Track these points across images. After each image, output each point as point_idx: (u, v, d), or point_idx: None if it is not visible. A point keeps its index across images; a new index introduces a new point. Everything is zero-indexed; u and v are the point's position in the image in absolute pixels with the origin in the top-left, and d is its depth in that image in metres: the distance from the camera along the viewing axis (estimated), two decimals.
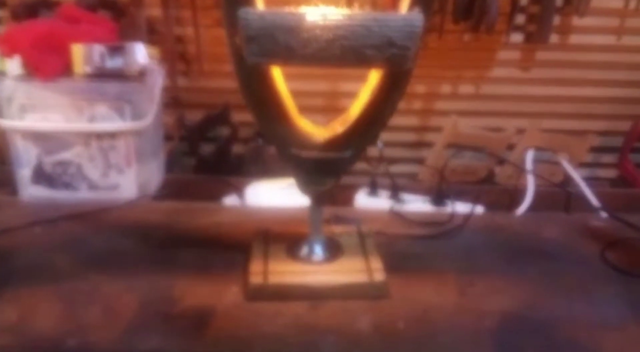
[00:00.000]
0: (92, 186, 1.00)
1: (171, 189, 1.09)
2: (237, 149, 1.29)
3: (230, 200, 1.09)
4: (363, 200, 1.07)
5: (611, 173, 1.35)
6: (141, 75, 0.96)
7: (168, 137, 1.20)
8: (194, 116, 1.28)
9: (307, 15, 0.59)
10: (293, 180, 0.73)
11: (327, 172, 0.72)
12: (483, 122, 1.32)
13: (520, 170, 1.22)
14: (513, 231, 0.84)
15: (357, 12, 0.60)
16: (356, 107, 0.69)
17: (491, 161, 1.25)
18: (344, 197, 1.04)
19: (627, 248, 0.80)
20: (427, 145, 1.38)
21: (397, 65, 0.62)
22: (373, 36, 0.60)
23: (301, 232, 0.77)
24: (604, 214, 0.94)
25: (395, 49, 0.61)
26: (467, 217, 0.86)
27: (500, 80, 1.30)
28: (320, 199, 0.76)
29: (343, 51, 0.60)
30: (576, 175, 1.14)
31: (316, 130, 0.70)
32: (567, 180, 1.24)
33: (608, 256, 0.77)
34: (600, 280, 0.74)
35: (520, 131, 1.22)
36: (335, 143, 0.68)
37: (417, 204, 1.00)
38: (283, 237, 0.79)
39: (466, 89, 1.32)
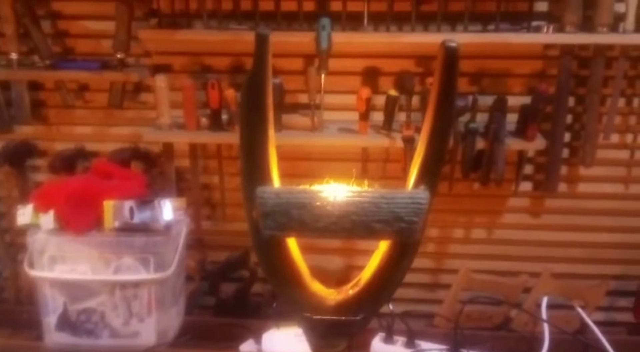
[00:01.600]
0: (114, 334, 1.01)
1: (190, 334, 1.08)
2: (256, 288, 1.29)
3: (247, 346, 1.07)
4: (379, 346, 1.04)
5: (627, 317, 1.29)
6: (167, 229, 0.99)
7: (189, 278, 1.21)
8: (216, 257, 1.30)
9: (319, 193, 0.62)
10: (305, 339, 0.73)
11: (339, 334, 0.72)
12: (495, 266, 1.31)
13: (536, 318, 1.19)
14: None
15: (366, 190, 0.63)
16: (367, 272, 0.70)
17: (506, 307, 1.22)
18: (360, 341, 1.01)
19: None
20: (442, 286, 1.36)
21: (405, 237, 0.64)
22: (381, 212, 0.62)
23: None
24: None
25: (403, 223, 0.63)
26: None
27: (511, 225, 1.32)
28: None
29: (353, 225, 0.63)
30: (592, 324, 1.12)
31: (329, 293, 0.70)
32: (584, 327, 1.20)
33: None
34: None
35: (534, 275, 1.20)
36: (347, 306, 0.69)
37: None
38: None
39: (478, 233, 1.33)
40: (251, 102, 0.61)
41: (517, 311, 1.21)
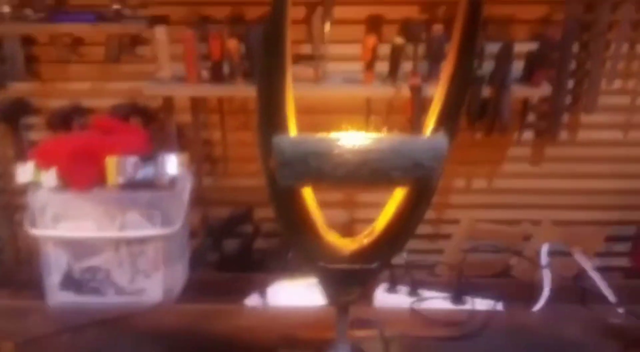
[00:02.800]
0: (119, 291, 0.98)
1: (195, 290, 1.07)
2: (259, 244, 1.27)
3: (252, 300, 1.06)
4: (382, 296, 1.04)
5: (623, 262, 1.30)
6: (172, 184, 0.96)
7: (193, 235, 1.19)
8: (219, 214, 1.28)
9: (337, 141, 0.59)
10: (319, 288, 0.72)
11: (354, 282, 0.71)
12: (497, 215, 1.31)
13: (537, 264, 1.19)
14: (534, 331, 0.84)
15: (384, 136, 0.60)
16: (382, 220, 0.68)
17: (507, 255, 1.22)
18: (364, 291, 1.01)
19: None
20: (443, 236, 1.36)
21: (424, 184, 0.62)
22: (401, 159, 0.60)
23: (326, 337, 0.74)
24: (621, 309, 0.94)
25: (422, 170, 0.61)
26: (488, 318, 0.84)
27: (512, 175, 1.30)
28: (346, 308, 0.74)
29: (372, 173, 0.60)
30: (591, 269, 1.13)
31: (343, 243, 0.69)
32: (582, 272, 1.21)
33: None
34: None
35: (535, 223, 1.20)
36: (362, 255, 0.67)
37: (436, 302, 0.96)
38: (308, 344, 0.77)
39: (479, 183, 1.32)
40: (270, 46, 0.57)
41: (517, 258, 1.21)
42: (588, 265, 1.16)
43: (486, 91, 1.08)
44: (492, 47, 1.11)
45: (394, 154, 0.60)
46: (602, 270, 1.22)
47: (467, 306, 0.95)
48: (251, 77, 1.09)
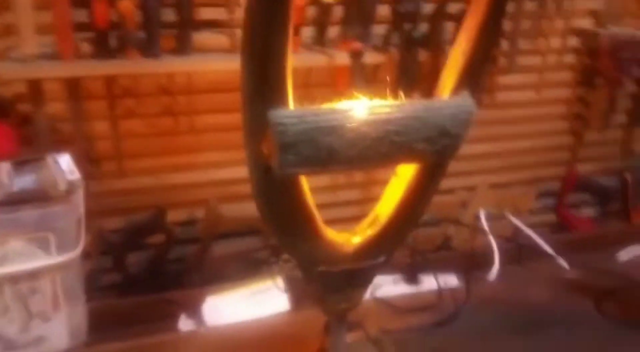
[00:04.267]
0: (9, 346, 0.75)
1: (105, 325, 0.87)
2: (176, 253, 1.08)
3: (185, 324, 0.90)
4: None
5: (547, 218, 1.37)
6: (67, 194, 0.74)
7: (84, 255, 0.96)
8: (115, 225, 1.06)
9: (350, 112, 0.47)
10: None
11: (358, 284, 0.61)
12: None
13: (476, 231, 1.21)
14: (503, 300, 0.86)
15: (404, 103, 0.49)
16: (387, 207, 0.59)
17: (445, 226, 1.21)
18: None
19: (617, 297, 0.84)
20: None
21: (446, 156, 0.54)
22: (426, 127, 0.50)
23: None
24: (563, 261, 1.01)
25: (448, 139, 0.52)
26: (455, 296, 0.84)
27: None
28: (344, 317, 0.64)
29: (392, 148, 0.50)
30: (526, 228, 1.16)
31: (344, 238, 0.58)
32: (517, 232, 1.25)
33: (602, 308, 0.82)
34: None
35: (469, 189, 1.20)
36: (368, 250, 0.58)
37: (390, 285, 0.93)
38: None
39: None
40: None
41: (455, 227, 1.21)
42: (524, 227, 1.20)
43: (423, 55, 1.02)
44: (427, 8, 1.05)
45: (418, 122, 0.50)
46: (531, 227, 1.28)
47: (425, 285, 0.92)
48: (150, 49, 0.89)
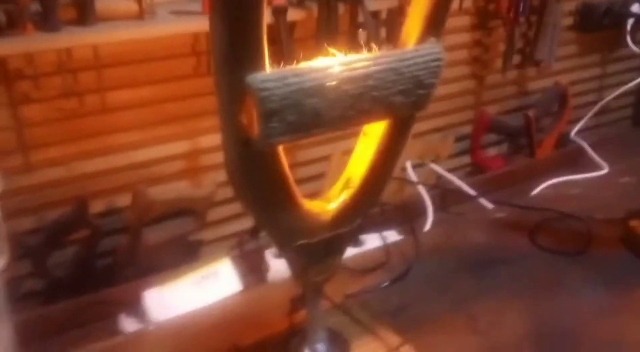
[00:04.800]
0: None
1: (36, 338, 0.79)
2: (105, 246, 0.99)
3: (129, 323, 0.84)
4: (275, 263, 0.95)
5: (464, 161, 1.42)
6: None
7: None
8: (28, 225, 0.94)
9: (331, 69, 0.45)
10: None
11: (334, 251, 0.60)
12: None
13: (406, 183, 1.24)
14: (447, 250, 0.87)
15: (378, 54, 0.48)
16: (359, 168, 0.57)
17: None
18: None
19: (547, 230, 0.89)
20: (309, 179, 1.28)
21: (420, 108, 0.53)
22: (403, 79, 0.50)
23: (278, 334, 0.66)
24: (485, 201, 1.08)
25: (422, 89, 0.52)
26: (402, 252, 0.85)
27: None
28: (321, 288, 0.63)
29: (373, 104, 0.49)
30: (449, 174, 1.23)
31: (319, 206, 0.57)
32: (440, 178, 1.30)
33: (537, 241, 0.86)
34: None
35: None
36: (345, 215, 0.57)
37: None
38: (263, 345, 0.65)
39: None
40: None
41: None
42: (446, 173, 1.25)
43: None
44: None
45: (396, 74, 0.49)
46: (454, 171, 1.33)
47: (369, 245, 0.92)
48: (47, 22, 0.78)
